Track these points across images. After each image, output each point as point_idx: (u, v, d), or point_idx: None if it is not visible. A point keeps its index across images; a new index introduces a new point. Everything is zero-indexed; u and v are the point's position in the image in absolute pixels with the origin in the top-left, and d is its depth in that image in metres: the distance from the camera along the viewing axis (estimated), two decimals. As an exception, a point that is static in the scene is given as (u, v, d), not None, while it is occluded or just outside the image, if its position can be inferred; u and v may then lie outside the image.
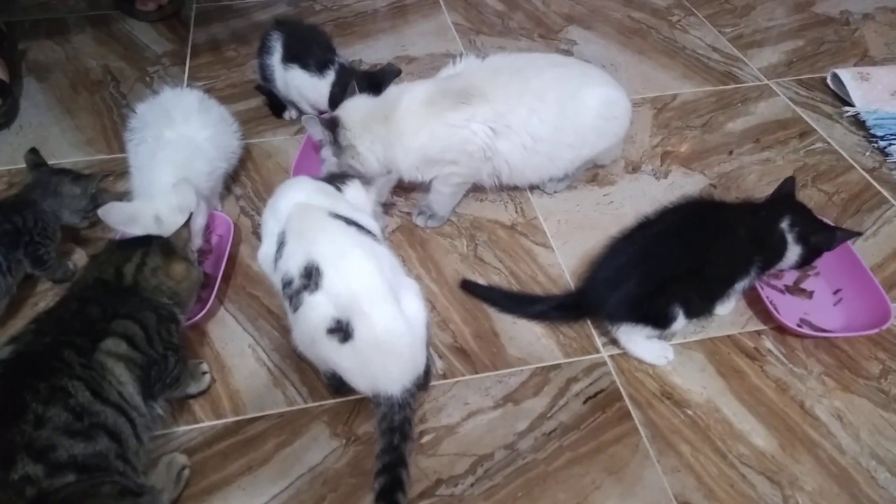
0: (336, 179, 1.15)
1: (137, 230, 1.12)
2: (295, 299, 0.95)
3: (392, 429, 0.92)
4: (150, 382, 0.89)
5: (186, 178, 1.16)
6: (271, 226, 1.05)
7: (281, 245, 0.99)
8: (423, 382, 1.03)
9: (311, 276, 0.93)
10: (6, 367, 0.79)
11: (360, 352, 0.92)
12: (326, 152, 1.28)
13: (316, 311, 0.93)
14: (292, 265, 0.96)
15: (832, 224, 1.20)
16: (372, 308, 0.92)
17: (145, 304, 0.93)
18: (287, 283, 0.96)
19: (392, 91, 1.30)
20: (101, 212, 1.11)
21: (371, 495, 0.89)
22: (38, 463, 0.72)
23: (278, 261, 0.99)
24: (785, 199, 1.17)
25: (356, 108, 1.27)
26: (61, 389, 0.78)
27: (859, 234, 1.14)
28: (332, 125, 1.25)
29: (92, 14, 1.96)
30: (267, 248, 1.04)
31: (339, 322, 0.92)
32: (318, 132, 1.26)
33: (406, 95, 1.25)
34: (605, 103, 1.29)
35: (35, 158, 1.24)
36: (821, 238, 1.13)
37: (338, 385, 1.03)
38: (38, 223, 1.15)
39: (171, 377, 0.94)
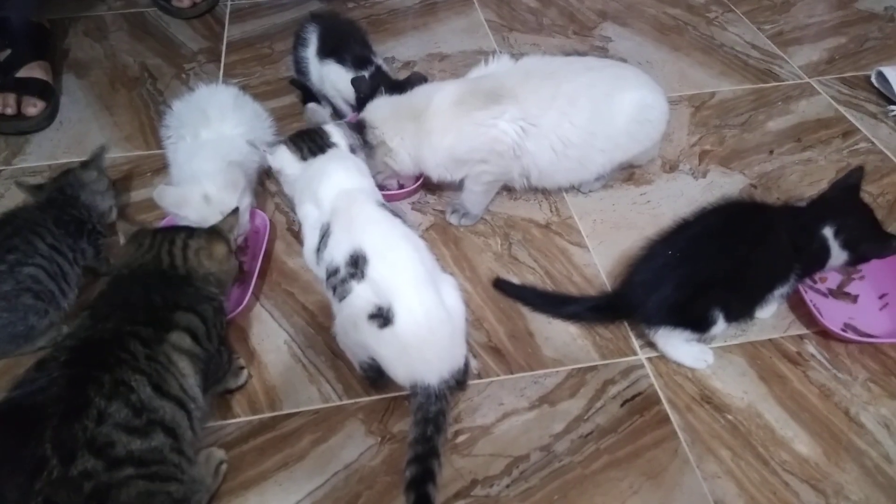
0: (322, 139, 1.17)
1: (190, 212, 1.14)
2: (340, 288, 0.96)
3: (427, 419, 0.92)
4: (208, 375, 0.91)
5: (235, 160, 1.18)
6: (313, 216, 1.05)
7: (325, 235, 1.00)
8: (461, 380, 1.02)
9: (358, 264, 0.94)
10: (72, 354, 0.80)
11: (399, 338, 0.92)
12: (360, 156, 1.27)
13: (360, 297, 0.94)
14: (337, 254, 0.97)
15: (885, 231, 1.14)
16: (413, 294, 0.93)
17: (201, 296, 0.95)
18: (332, 273, 0.97)
19: (422, 89, 1.29)
20: (155, 194, 1.14)
21: (406, 493, 0.89)
22: (97, 459, 0.72)
23: (322, 251, 1.00)
24: (845, 195, 1.13)
25: (380, 106, 1.26)
26: (124, 384, 0.78)
27: None
28: (359, 127, 1.24)
29: (129, 11, 1.99)
30: (310, 243, 1.05)
31: (379, 308, 0.92)
32: (347, 137, 1.25)
33: (437, 95, 1.24)
34: (640, 107, 1.26)
35: (28, 186, 1.23)
36: (871, 247, 1.09)
37: (375, 377, 1.03)
38: (91, 215, 1.19)
39: (223, 371, 0.96)
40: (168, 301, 0.89)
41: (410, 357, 0.94)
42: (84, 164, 1.25)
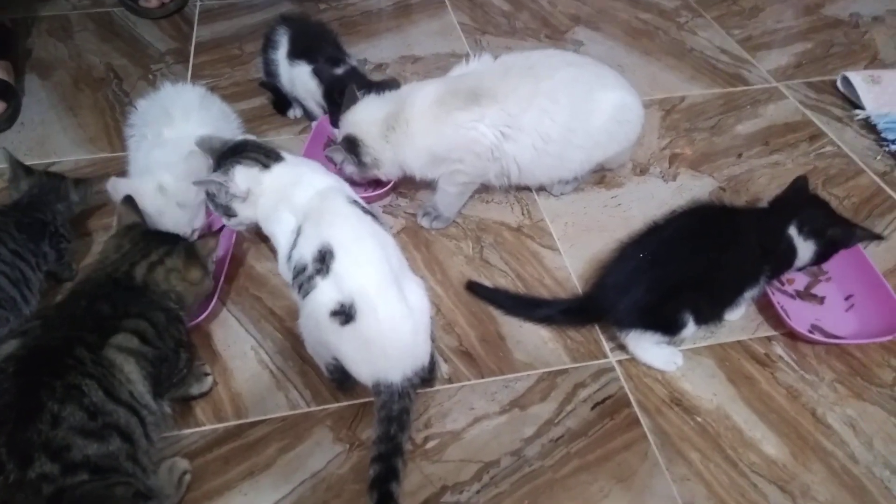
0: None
1: (146, 203, 1.11)
2: (306, 285, 0.95)
3: (390, 418, 0.91)
4: (161, 379, 0.88)
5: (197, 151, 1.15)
6: (289, 222, 1.03)
7: (297, 236, 1.00)
8: (428, 377, 1.01)
9: (325, 259, 0.94)
10: (20, 364, 0.78)
11: (361, 335, 0.92)
12: (350, 169, 1.27)
13: (324, 294, 0.93)
14: (306, 251, 0.96)
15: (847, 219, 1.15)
16: (376, 292, 0.93)
17: (155, 305, 0.93)
18: (300, 271, 0.96)
19: (402, 91, 1.28)
20: (108, 186, 1.11)
21: (374, 501, 0.88)
22: (54, 462, 0.72)
23: (293, 251, 0.99)
24: (796, 197, 1.14)
25: (370, 121, 1.24)
26: (76, 388, 0.77)
27: (880, 237, 1.11)
28: (352, 146, 1.23)
29: (95, 11, 1.94)
30: (284, 250, 1.03)
31: (342, 305, 0.92)
32: (341, 158, 1.25)
33: (417, 96, 1.24)
34: (619, 107, 1.27)
35: (19, 161, 1.21)
36: (838, 232, 1.10)
37: (341, 379, 1.02)
38: (56, 218, 1.16)
39: (179, 375, 0.94)
40: (117, 309, 0.87)
41: (372, 355, 0.93)
42: (77, 182, 1.22)
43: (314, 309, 0.95)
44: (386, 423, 0.91)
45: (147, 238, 1.00)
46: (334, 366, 1.00)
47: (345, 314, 0.92)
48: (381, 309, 0.93)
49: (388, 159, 1.25)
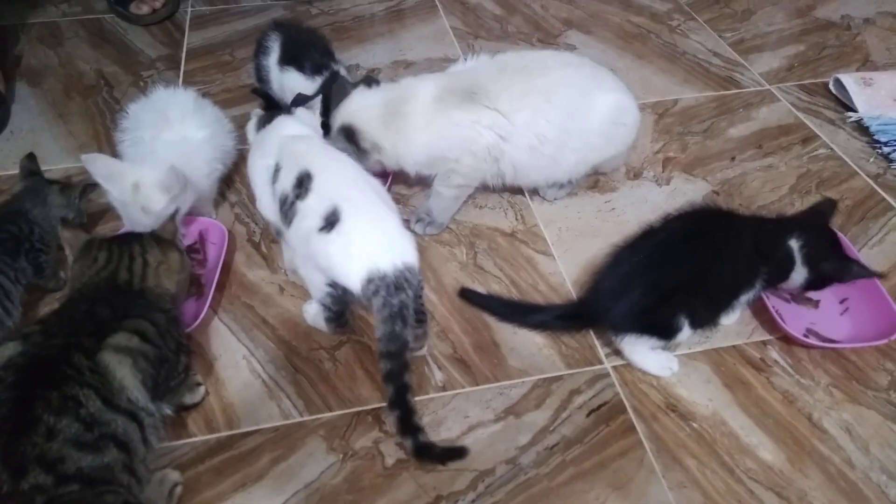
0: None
1: (114, 189, 1.11)
2: (290, 212, 1.00)
3: (392, 315, 0.92)
4: (159, 382, 0.87)
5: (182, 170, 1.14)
6: (261, 168, 1.11)
7: (276, 172, 1.06)
8: (421, 314, 1.05)
9: (303, 183, 0.99)
10: (18, 374, 0.77)
11: (347, 230, 0.95)
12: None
13: (308, 215, 0.98)
14: (287, 182, 1.02)
15: (852, 258, 1.14)
16: (356, 192, 1.00)
17: (153, 307, 0.92)
18: (283, 201, 1.03)
19: (403, 83, 1.28)
20: (84, 158, 1.10)
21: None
22: (48, 474, 0.71)
23: (274, 185, 1.05)
24: (812, 218, 1.14)
25: (366, 107, 1.24)
26: (72, 399, 0.76)
27: (879, 275, 1.11)
28: (349, 135, 1.23)
29: (85, 18, 1.93)
30: (262, 194, 1.12)
31: (325, 218, 0.96)
32: (342, 146, 1.24)
33: (419, 90, 1.23)
34: (616, 109, 1.26)
35: (30, 165, 1.23)
36: (832, 266, 1.09)
37: (338, 312, 1.04)
38: (33, 231, 1.14)
39: (177, 380, 0.93)
40: (117, 312, 0.87)
41: (360, 246, 0.95)
42: (63, 188, 1.21)
43: (304, 233, 0.98)
44: (389, 322, 0.92)
45: (114, 243, 0.98)
46: (330, 296, 1.01)
47: (330, 223, 0.95)
48: (363, 202, 0.99)
49: (390, 143, 1.24)
